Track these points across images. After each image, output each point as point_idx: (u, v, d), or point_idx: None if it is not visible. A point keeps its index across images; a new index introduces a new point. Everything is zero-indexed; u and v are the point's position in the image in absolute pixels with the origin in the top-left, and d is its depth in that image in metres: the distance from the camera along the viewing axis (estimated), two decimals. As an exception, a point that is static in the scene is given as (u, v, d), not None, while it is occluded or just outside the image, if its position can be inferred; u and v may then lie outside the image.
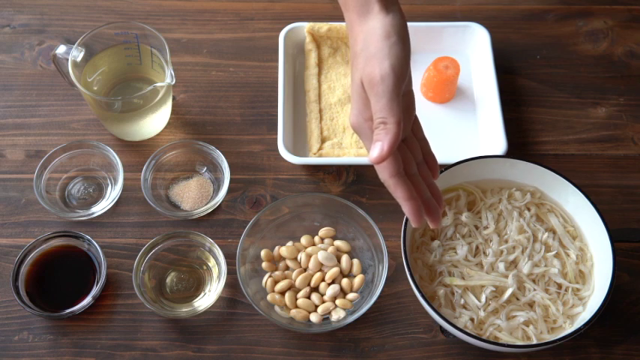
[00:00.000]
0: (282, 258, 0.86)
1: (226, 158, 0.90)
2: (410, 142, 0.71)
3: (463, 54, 1.02)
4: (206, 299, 0.83)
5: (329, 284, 0.83)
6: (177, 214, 0.89)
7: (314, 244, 0.86)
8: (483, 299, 0.80)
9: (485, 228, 0.85)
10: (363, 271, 0.85)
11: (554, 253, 0.83)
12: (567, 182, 0.83)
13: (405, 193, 0.67)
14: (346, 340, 0.82)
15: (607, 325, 0.83)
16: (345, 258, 0.85)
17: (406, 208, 0.67)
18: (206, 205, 0.89)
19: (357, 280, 0.84)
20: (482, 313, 0.79)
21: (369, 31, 0.68)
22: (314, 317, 0.82)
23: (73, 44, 0.88)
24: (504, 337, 0.78)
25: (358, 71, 0.68)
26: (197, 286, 0.85)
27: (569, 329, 0.78)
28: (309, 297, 0.83)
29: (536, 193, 0.86)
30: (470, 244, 0.84)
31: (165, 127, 0.96)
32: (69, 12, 1.06)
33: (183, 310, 0.82)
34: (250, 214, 0.89)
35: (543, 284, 0.81)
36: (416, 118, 0.73)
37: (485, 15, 1.07)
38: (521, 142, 0.96)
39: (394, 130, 0.64)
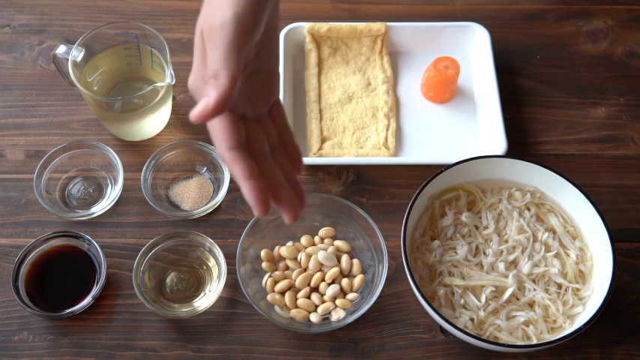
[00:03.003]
0: (282, 258, 0.86)
1: (226, 158, 0.90)
2: (264, 123, 0.63)
3: (463, 54, 1.02)
4: (206, 299, 0.83)
5: (329, 284, 0.83)
6: (177, 214, 0.89)
7: (314, 244, 0.86)
8: (483, 299, 0.80)
9: (485, 228, 0.85)
10: (363, 271, 0.85)
11: (554, 253, 0.83)
12: (567, 182, 0.83)
13: (245, 170, 0.56)
14: (346, 340, 0.82)
15: (607, 325, 0.83)
16: (345, 258, 0.85)
17: (245, 189, 0.57)
18: (206, 205, 0.89)
19: (357, 280, 0.84)
20: (482, 313, 0.79)
21: None
22: (314, 317, 0.82)
23: (73, 44, 0.88)
24: (504, 337, 0.78)
25: (200, 19, 0.58)
26: (197, 286, 0.85)
27: (569, 329, 0.78)
28: (309, 297, 0.83)
29: (536, 193, 0.86)
30: (470, 244, 0.84)
31: (165, 127, 0.96)
32: (69, 12, 1.06)
33: (183, 310, 0.82)
34: (250, 214, 0.89)
35: (543, 284, 0.81)
36: (279, 102, 0.65)
37: (486, 15, 1.07)
38: (521, 142, 0.96)
39: (226, 85, 0.54)
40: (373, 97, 0.98)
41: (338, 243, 0.86)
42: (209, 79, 0.55)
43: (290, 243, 0.86)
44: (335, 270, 0.83)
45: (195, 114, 0.54)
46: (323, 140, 0.94)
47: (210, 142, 0.91)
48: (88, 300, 0.81)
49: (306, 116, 0.96)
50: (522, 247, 0.83)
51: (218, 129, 0.57)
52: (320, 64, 1.00)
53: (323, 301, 0.83)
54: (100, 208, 0.89)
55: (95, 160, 0.92)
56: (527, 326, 0.79)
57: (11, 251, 0.87)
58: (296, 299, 0.83)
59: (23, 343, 0.82)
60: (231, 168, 0.57)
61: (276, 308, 0.83)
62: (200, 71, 0.58)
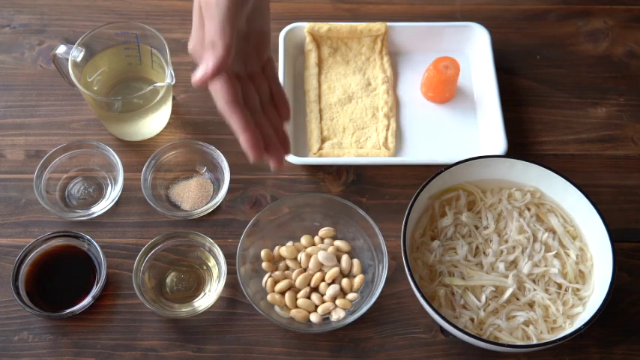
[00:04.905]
0: (282, 258, 0.86)
1: (226, 158, 0.90)
2: (257, 80, 0.70)
3: (463, 54, 1.02)
4: (206, 299, 0.83)
5: (329, 284, 0.83)
6: (177, 214, 0.89)
7: (314, 244, 0.86)
8: (483, 299, 0.80)
9: (486, 228, 0.85)
10: (363, 271, 0.85)
11: (554, 253, 0.83)
12: (567, 182, 0.83)
13: (242, 123, 0.65)
14: (346, 340, 0.82)
15: (607, 325, 0.83)
16: (345, 258, 0.85)
17: (242, 139, 0.65)
18: (206, 205, 0.89)
19: (357, 280, 0.84)
20: (482, 313, 0.79)
21: None
22: (314, 317, 0.82)
23: (73, 44, 0.88)
24: (504, 337, 0.78)
25: None
26: (197, 286, 0.85)
27: (569, 329, 0.78)
28: (309, 297, 0.83)
29: (536, 193, 0.86)
30: (470, 244, 0.84)
31: (165, 127, 0.96)
32: (69, 12, 1.06)
33: (183, 310, 0.82)
34: (250, 214, 0.89)
35: (543, 284, 0.81)
36: (271, 60, 0.72)
37: (486, 15, 1.06)
38: (521, 142, 0.96)
39: (221, 53, 0.62)
40: (373, 97, 0.98)
41: (338, 243, 0.86)
42: (207, 48, 0.62)
43: (290, 243, 0.86)
44: (335, 270, 0.84)
45: (196, 78, 0.62)
46: (323, 140, 0.94)
47: (210, 141, 0.92)
48: (88, 300, 0.81)
49: (306, 116, 0.96)
50: (522, 247, 0.83)
51: (217, 87, 0.64)
52: (320, 64, 1.00)
53: (323, 301, 0.83)
54: (100, 208, 0.89)
55: (95, 160, 0.92)
56: (527, 326, 0.79)
57: (11, 251, 0.87)
58: (296, 299, 0.83)
59: (23, 343, 0.82)
60: (230, 121, 0.65)
61: (276, 308, 0.83)
62: (198, 36, 0.65)
